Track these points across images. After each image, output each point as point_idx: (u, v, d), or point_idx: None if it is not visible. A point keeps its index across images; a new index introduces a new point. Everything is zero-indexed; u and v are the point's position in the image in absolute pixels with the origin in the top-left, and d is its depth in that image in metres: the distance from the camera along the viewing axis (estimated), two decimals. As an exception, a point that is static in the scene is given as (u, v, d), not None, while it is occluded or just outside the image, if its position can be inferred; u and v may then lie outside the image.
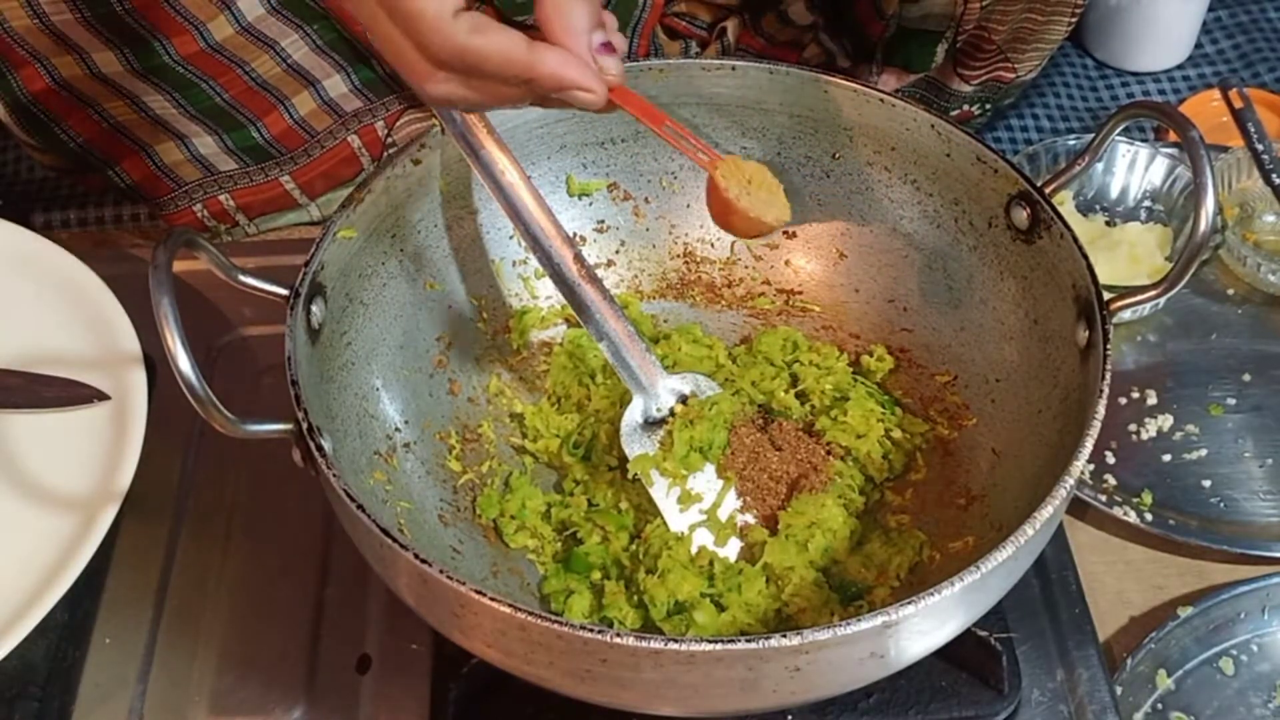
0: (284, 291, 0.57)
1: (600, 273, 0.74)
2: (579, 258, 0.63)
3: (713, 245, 0.75)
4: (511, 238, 0.72)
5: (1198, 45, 1.06)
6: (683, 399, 0.66)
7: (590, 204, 0.73)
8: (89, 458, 0.69)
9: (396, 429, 0.65)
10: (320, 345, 0.59)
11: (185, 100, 0.83)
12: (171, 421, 0.69)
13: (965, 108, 0.92)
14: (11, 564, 0.65)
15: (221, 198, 0.87)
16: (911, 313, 0.71)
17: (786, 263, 0.75)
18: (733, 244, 0.75)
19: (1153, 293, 0.59)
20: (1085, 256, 0.60)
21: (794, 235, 0.74)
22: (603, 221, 0.74)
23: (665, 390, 0.66)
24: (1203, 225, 0.57)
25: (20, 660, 0.61)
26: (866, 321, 0.73)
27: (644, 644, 0.47)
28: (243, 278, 0.57)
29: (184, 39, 0.80)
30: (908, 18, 0.85)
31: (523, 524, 0.66)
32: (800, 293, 0.74)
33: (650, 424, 0.66)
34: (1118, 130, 0.64)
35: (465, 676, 0.61)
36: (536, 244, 0.63)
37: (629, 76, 0.67)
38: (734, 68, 0.68)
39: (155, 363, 0.72)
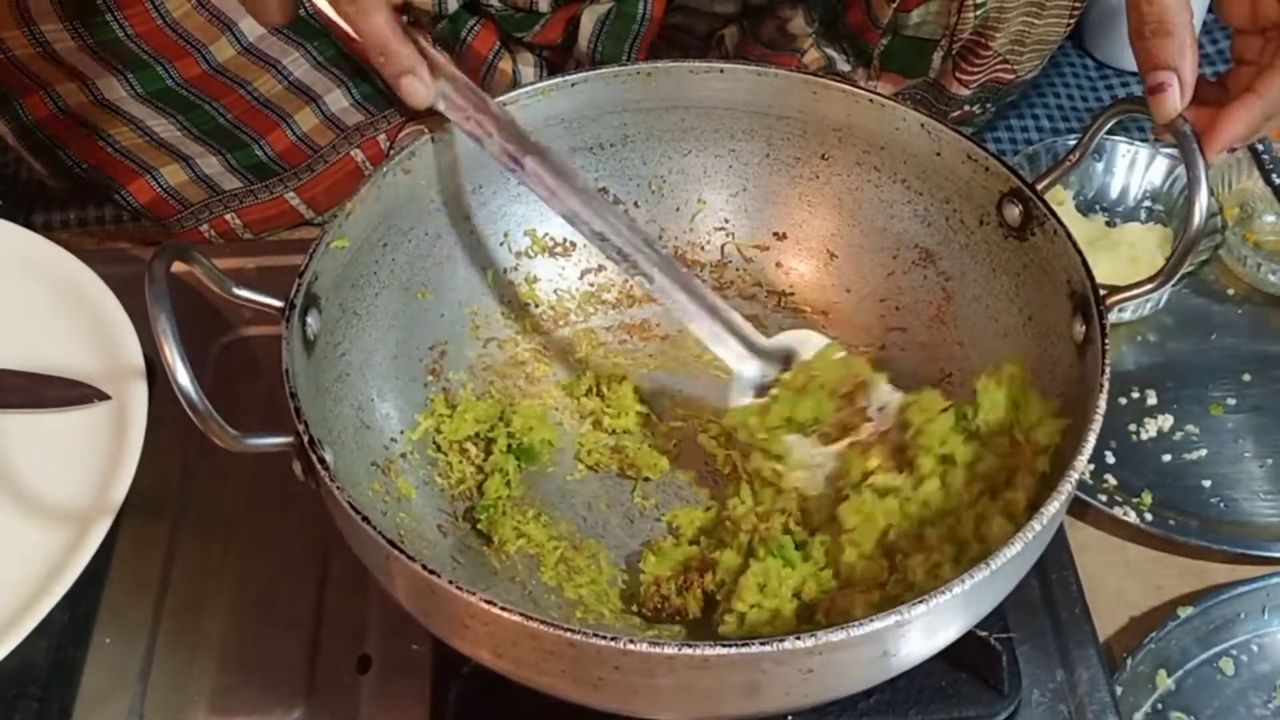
0: (278, 304, 0.57)
1: (592, 278, 0.75)
2: (649, 242, 0.63)
3: (703, 249, 0.75)
4: (502, 244, 0.72)
5: (1211, 40, 1.06)
6: (787, 361, 0.64)
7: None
8: (89, 457, 0.69)
9: (393, 439, 0.66)
10: (316, 357, 0.60)
11: (189, 122, 0.84)
12: (172, 421, 0.67)
13: (966, 108, 0.92)
14: (12, 564, 0.65)
15: (228, 217, 0.88)
16: (904, 311, 0.72)
17: (778, 264, 0.75)
18: (722, 246, 0.75)
19: (1148, 286, 0.59)
20: (1080, 252, 0.60)
21: (784, 237, 0.74)
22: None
23: (766, 357, 0.64)
24: (1196, 219, 0.57)
25: (20, 660, 0.61)
26: (858, 321, 0.73)
27: (658, 649, 0.47)
28: (237, 290, 0.57)
29: (186, 62, 0.81)
30: (903, 26, 0.86)
31: (521, 531, 0.66)
32: (792, 294, 0.75)
33: (760, 389, 0.64)
34: (1109, 125, 0.64)
35: (465, 677, 0.61)
36: (603, 239, 0.62)
37: (618, 81, 0.69)
38: (722, 70, 0.69)
39: (155, 362, 0.72)
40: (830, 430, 0.63)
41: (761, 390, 0.64)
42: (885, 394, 0.64)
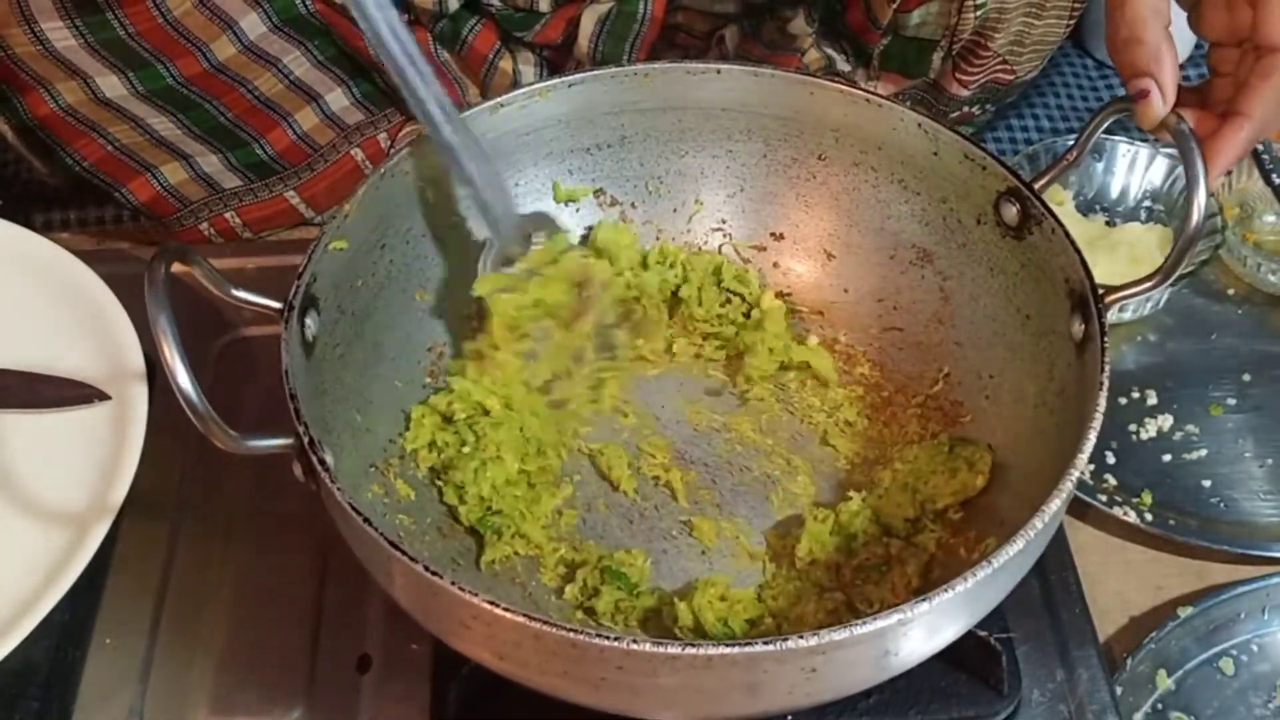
0: (277, 305, 0.57)
1: (589, 277, 0.75)
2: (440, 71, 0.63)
3: (699, 249, 0.75)
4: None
5: (1198, 45, 1.05)
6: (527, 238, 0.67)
7: (577, 210, 0.74)
8: (89, 457, 0.69)
9: (391, 441, 0.66)
10: (315, 358, 0.60)
11: (189, 121, 0.84)
12: (172, 420, 0.68)
13: (966, 109, 0.92)
14: (12, 564, 0.65)
15: (227, 215, 0.89)
16: (901, 311, 0.72)
17: (775, 265, 0.75)
18: (720, 247, 0.75)
19: (1147, 285, 0.59)
20: (1078, 250, 0.60)
21: (782, 237, 0.75)
22: (590, 227, 0.74)
23: (517, 230, 0.67)
24: (1195, 218, 0.58)
25: (20, 660, 0.61)
26: (856, 321, 0.73)
27: (660, 649, 0.47)
28: (236, 292, 0.57)
29: (187, 61, 0.81)
30: (903, 26, 0.86)
31: (519, 532, 0.66)
32: (789, 294, 0.74)
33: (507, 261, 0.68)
34: (1106, 124, 0.64)
35: (465, 676, 0.61)
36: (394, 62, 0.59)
37: (616, 82, 0.69)
38: (719, 71, 0.69)
39: (155, 362, 0.71)
40: (566, 314, 0.67)
41: (508, 262, 0.67)
42: (603, 279, 0.68)
